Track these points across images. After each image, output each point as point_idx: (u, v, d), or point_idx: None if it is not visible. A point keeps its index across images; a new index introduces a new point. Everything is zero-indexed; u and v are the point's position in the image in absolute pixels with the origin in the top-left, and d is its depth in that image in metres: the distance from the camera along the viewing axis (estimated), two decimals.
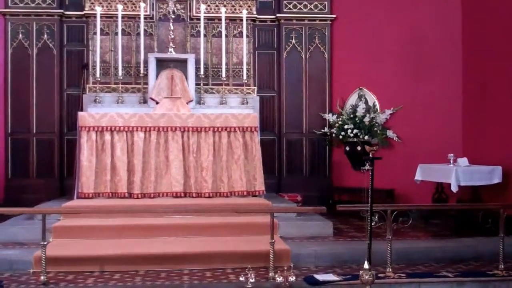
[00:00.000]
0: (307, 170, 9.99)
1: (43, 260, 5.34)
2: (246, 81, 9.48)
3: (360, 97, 9.84)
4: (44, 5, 9.57)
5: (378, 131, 9.42)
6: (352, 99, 9.88)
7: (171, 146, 7.96)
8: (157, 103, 8.84)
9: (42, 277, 5.30)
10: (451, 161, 7.99)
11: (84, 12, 9.54)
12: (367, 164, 4.63)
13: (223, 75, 9.43)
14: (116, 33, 9.33)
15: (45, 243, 5.41)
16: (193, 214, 7.01)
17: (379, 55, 9.68)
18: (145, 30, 9.36)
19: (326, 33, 10.01)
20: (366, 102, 9.79)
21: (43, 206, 7.70)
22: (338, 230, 7.51)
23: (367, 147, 4.58)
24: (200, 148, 8.03)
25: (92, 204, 7.33)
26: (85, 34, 9.66)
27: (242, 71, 9.55)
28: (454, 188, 7.47)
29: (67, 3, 9.72)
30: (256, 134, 8.17)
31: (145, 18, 9.30)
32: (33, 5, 9.56)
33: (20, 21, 9.56)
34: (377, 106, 9.72)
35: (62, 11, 9.58)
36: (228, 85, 9.62)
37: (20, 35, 9.54)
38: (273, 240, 5.53)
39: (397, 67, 9.61)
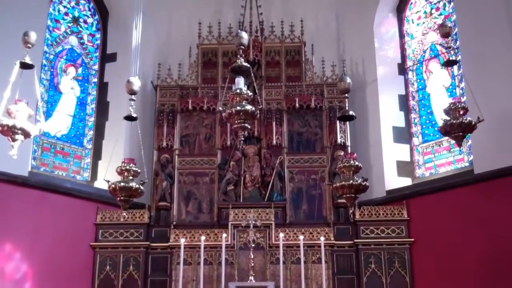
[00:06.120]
0: None
1: None
2: None
3: None
4: (131, 238, 10.09)
5: None
6: None
7: None
8: None
9: None
10: None
11: (169, 243, 9.99)
12: None
13: None
14: (199, 263, 9.64)
15: None
16: None
17: (461, 275, 9.36)
18: (226, 259, 9.63)
19: (406, 257, 9.92)
20: None
21: None
22: None
23: None
24: None
25: None
26: (169, 264, 9.98)
27: None
28: None
29: (153, 236, 10.22)
30: None
31: (226, 247, 9.62)
32: (121, 238, 10.10)
33: (109, 253, 10.04)
34: None
35: (148, 243, 10.06)
36: None
37: (108, 267, 9.93)
38: None
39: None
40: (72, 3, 11.52)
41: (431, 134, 10.85)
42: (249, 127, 5.62)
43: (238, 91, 5.54)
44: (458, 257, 9.48)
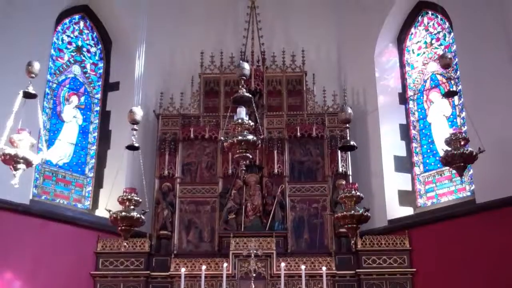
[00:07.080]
0: None
1: None
2: None
3: None
4: (132, 267, 10.02)
5: None
6: None
7: None
8: None
9: None
10: None
11: (170, 272, 9.90)
12: None
13: None
14: None
15: None
16: None
17: None
18: None
19: (408, 287, 9.82)
20: None
21: None
22: None
23: None
24: None
25: None
26: None
27: None
28: None
29: (153, 265, 10.13)
30: None
31: (227, 277, 9.52)
32: (121, 267, 10.03)
33: (108, 282, 9.96)
34: None
35: (148, 272, 9.98)
36: None
37: None
38: None
39: None
40: (76, 33, 11.64)
41: (433, 164, 10.85)
42: (250, 156, 5.65)
43: (239, 121, 5.58)
44: (460, 287, 9.42)
